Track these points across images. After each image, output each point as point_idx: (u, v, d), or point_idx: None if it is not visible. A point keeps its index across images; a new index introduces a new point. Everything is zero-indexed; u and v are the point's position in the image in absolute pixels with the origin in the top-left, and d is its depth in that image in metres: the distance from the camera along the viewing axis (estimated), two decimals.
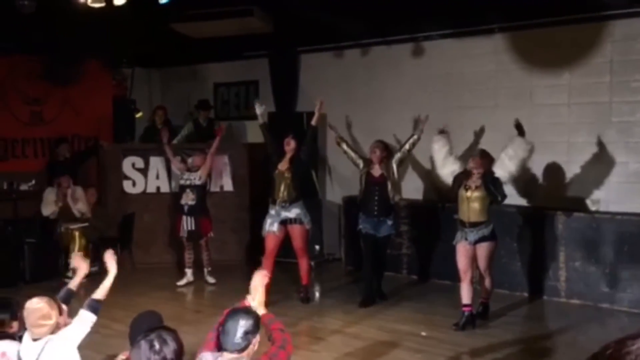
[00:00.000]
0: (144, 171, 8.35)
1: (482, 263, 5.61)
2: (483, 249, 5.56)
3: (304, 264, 6.38)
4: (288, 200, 6.23)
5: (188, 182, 7.26)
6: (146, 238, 8.20)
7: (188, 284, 7.29)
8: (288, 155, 6.36)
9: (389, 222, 6.23)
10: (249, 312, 2.62)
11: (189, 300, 7.04)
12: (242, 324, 2.48)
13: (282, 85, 8.72)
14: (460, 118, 7.24)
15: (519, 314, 6.10)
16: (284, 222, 6.27)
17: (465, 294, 5.57)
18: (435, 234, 7.19)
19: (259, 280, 3.02)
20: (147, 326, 2.92)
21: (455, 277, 6.82)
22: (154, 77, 10.30)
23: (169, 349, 2.16)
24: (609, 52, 6.34)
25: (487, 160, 5.71)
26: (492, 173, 5.58)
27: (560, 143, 6.71)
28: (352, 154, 6.45)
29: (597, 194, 6.48)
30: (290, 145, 6.35)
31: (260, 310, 2.88)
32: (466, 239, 5.54)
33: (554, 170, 6.70)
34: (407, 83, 7.74)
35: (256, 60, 8.95)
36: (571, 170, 6.62)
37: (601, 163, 6.44)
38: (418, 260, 7.44)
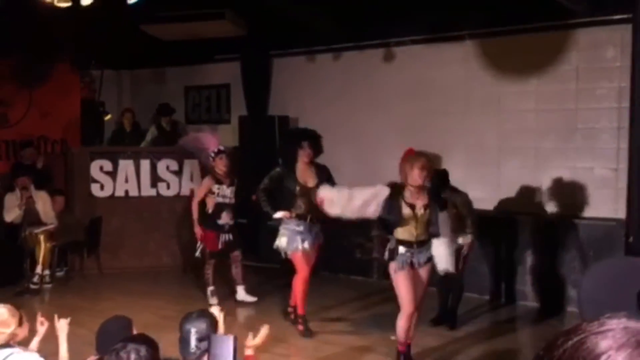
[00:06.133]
0: (112, 174, 8.23)
1: (422, 291, 4.75)
2: (426, 272, 4.72)
3: (306, 287, 5.68)
4: (317, 218, 5.56)
5: (227, 201, 6.48)
6: (114, 242, 8.07)
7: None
8: (306, 165, 5.58)
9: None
10: (201, 315, 2.59)
11: (156, 306, 6.94)
12: (194, 331, 2.46)
13: (254, 88, 8.69)
14: (431, 123, 7.32)
15: (487, 318, 6.17)
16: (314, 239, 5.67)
17: (412, 330, 4.75)
18: None
19: (265, 335, 2.93)
20: (115, 332, 2.86)
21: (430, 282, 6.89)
22: (124, 79, 10.17)
23: None
24: (574, 60, 6.48)
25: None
26: (441, 187, 4.88)
27: (528, 148, 6.82)
28: None
29: (563, 199, 6.60)
30: (307, 154, 5.56)
31: (249, 351, 2.83)
32: (411, 264, 4.61)
33: (521, 175, 6.81)
34: (379, 88, 7.79)
35: (228, 64, 8.90)
36: (539, 175, 6.74)
37: (567, 168, 6.57)
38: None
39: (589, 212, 6.37)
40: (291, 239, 5.52)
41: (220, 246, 6.47)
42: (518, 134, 6.84)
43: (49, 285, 7.34)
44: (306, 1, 6.83)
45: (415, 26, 7.17)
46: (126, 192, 8.28)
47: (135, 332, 2.96)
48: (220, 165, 6.42)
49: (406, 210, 4.58)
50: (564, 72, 6.53)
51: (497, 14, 6.54)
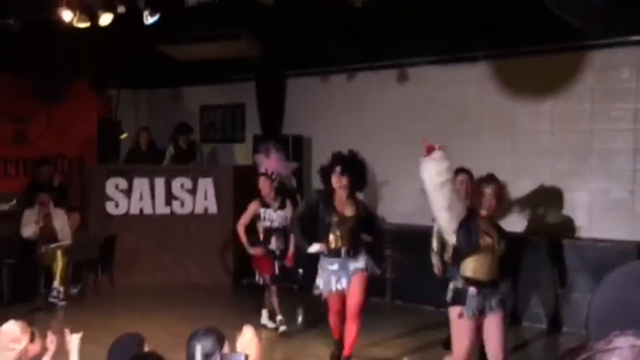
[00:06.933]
0: (127, 192, 8.30)
1: (498, 338, 3.94)
2: (498, 319, 3.95)
3: (354, 328, 5.03)
4: (354, 249, 5.02)
5: (275, 225, 6.16)
6: (128, 260, 8.11)
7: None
8: (344, 194, 5.04)
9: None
10: (208, 331, 2.59)
11: (168, 323, 6.93)
12: (199, 348, 2.45)
13: (268, 108, 8.76)
14: (445, 143, 7.29)
15: None
16: (353, 275, 5.03)
17: None
18: (419, 258, 7.18)
19: (249, 338, 2.65)
20: (127, 349, 2.87)
21: (442, 303, 6.81)
22: (141, 98, 10.29)
23: None
24: (589, 81, 6.46)
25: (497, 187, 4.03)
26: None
27: (542, 169, 6.78)
28: None
29: (579, 221, 6.53)
30: (342, 181, 4.98)
31: None
32: (482, 309, 3.87)
33: (536, 196, 6.75)
34: (392, 108, 7.80)
35: (243, 84, 8.99)
36: (554, 196, 6.68)
37: (583, 190, 6.52)
38: (402, 285, 7.41)
39: (604, 234, 6.29)
40: (326, 281, 5.01)
41: (277, 271, 6.12)
42: (533, 155, 6.81)
43: (62, 303, 7.37)
44: (320, 22, 6.89)
45: (429, 47, 7.20)
46: (141, 210, 8.33)
47: (147, 349, 2.96)
48: (262, 188, 6.15)
49: (485, 240, 3.85)
50: (579, 93, 6.50)
51: (512, 35, 6.55)
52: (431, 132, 7.43)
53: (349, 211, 5.02)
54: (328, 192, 5.08)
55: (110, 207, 8.29)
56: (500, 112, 7.01)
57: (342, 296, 5.00)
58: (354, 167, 5.08)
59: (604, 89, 6.40)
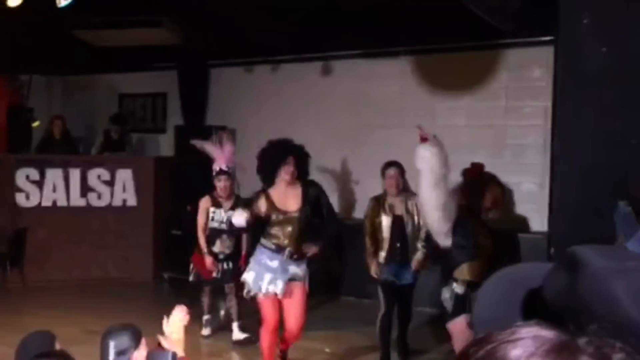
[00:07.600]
0: (39, 183, 7.89)
1: None
2: None
3: (293, 339, 4.69)
4: (299, 253, 4.53)
5: (223, 227, 5.58)
6: (40, 254, 7.73)
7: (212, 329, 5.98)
8: (287, 186, 4.55)
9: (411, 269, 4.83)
10: (123, 327, 2.53)
11: (83, 320, 6.67)
12: (113, 345, 2.40)
13: (191, 98, 8.58)
14: (369, 136, 7.41)
15: (422, 330, 6.25)
16: (291, 280, 4.52)
17: None
18: (342, 251, 7.26)
19: (179, 319, 2.67)
20: (36, 348, 2.73)
21: (363, 294, 6.92)
22: (55, 85, 9.81)
23: None
24: (504, 79, 6.74)
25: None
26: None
27: (461, 163, 6.98)
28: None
29: (492, 213, 6.80)
30: (294, 173, 4.53)
31: (178, 352, 2.59)
32: None
33: (455, 189, 6.96)
34: (317, 100, 7.84)
35: (165, 72, 8.75)
36: None
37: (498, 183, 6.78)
38: (325, 276, 7.46)
39: (517, 225, 6.58)
40: (258, 277, 4.45)
41: (215, 274, 5.72)
42: (452, 149, 6.99)
43: None
44: (245, 12, 6.81)
45: (352, 41, 7.27)
46: (54, 202, 7.95)
47: (58, 347, 2.83)
48: (218, 188, 5.65)
49: (483, 240, 3.57)
50: (494, 90, 6.77)
51: (432, 31, 6.72)
52: (355, 125, 7.55)
53: (293, 205, 4.52)
54: (268, 186, 4.56)
55: (20, 199, 7.86)
56: (421, 107, 7.18)
57: (276, 305, 4.49)
58: (301, 155, 4.65)
59: (517, 86, 6.70)
